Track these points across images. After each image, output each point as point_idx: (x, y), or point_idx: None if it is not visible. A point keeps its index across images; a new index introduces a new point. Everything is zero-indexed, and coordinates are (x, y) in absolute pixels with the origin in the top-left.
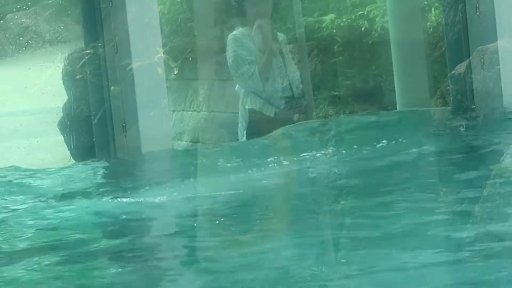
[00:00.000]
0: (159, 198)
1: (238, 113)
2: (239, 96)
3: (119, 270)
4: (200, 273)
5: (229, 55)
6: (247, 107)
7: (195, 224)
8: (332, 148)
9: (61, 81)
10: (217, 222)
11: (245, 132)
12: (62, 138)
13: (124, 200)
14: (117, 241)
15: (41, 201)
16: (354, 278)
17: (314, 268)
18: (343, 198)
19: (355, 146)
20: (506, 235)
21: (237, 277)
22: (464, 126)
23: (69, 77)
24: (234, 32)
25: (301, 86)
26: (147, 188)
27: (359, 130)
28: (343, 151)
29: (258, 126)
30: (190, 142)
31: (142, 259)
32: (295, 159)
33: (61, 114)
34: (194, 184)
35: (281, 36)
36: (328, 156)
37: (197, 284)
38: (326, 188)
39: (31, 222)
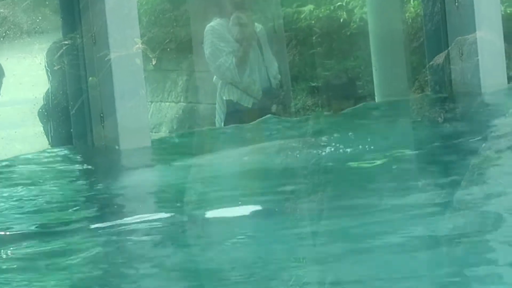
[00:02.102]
0: None
1: (216, 104)
2: (217, 87)
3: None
4: (174, 260)
5: (206, 46)
6: (224, 98)
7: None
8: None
9: (40, 71)
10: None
11: (222, 123)
12: (41, 128)
13: None
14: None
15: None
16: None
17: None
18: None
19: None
20: (484, 224)
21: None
22: (442, 117)
23: (50, 67)
24: (211, 23)
25: (279, 77)
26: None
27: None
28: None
29: (235, 117)
30: (168, 133)
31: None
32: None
33: (42, 103)
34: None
35: (258, 27)
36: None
37: (171, 272)
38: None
39: None
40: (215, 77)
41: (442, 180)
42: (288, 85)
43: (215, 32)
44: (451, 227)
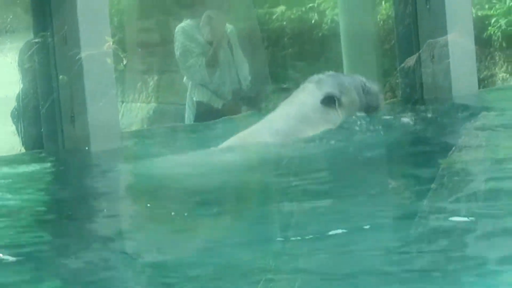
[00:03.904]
0: None
1: (186, 105)
2: (187, 87)
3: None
4: (146, 263)
5: (177, 47)
6: (195, 99)
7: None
8: None
9: (11, 71)
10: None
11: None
12: (13, 128)
13: None
14: None
15: None
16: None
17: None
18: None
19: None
20: (453, 229)
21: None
22: (413, 120)
23: (21, 66)
24: (181, 24)
25: (249, 78)
26: None
27: None
28: None
29: (205, 118)
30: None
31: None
32: None
33: (14, 103)
34: None
35: (229, 27)
36: None
37: (143, 274)
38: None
39: None
40: (185, 77)
41: (412, 184)
42: (267, 84)
43: (186, 33)
44: (421, 230)
